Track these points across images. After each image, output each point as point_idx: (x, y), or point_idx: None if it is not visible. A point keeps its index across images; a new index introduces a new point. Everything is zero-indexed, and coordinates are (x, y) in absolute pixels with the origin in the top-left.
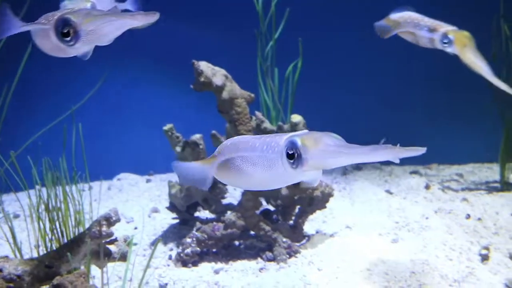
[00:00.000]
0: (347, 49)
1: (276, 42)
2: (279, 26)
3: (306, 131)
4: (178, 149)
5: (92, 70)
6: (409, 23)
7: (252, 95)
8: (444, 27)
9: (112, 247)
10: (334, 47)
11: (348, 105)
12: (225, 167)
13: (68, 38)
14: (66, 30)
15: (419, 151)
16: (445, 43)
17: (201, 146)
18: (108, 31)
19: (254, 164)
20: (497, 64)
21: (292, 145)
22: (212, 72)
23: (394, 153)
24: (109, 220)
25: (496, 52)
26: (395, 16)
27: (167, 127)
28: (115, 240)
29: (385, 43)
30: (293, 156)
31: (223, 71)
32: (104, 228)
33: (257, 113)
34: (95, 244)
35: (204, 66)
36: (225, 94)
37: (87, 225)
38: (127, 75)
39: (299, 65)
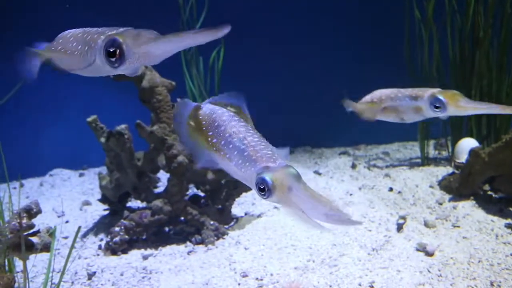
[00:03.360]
0: (271, 36)
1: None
2: (201, 14)
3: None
4: (103, 140)
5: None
6: (386, 100)
7: (173, 83)
8: (427, 91)
9: (35, 239)
10: (259, 33)
11: (275, 90)
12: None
13: (113, 59)
14: (112, 50)
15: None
16: (436, 107)
17: (126, 136)
18: (161, 54)
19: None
20: (413, 48)
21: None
22: None
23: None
24: (30, 212)
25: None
26: (366, 99)
27: (90, 118)
28: (38, 231)
29: (310, 31)
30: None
31: None
32: (24, 220)
33: (178, 100)
34: (16, 236)
35: None
36: (145, 83)
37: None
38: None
39: (222, 53)
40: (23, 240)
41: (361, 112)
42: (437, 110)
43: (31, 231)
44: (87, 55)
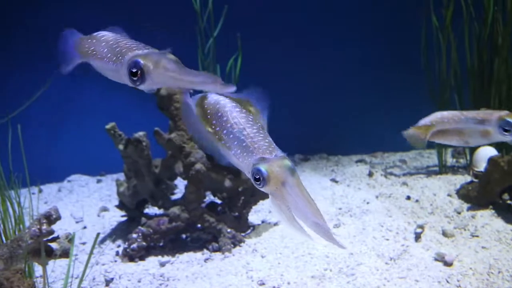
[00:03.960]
0: (287, 43)
1: (216, 39)
2: (218, 23)
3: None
4: (121, 147)
5: (36, 71)
6: (448, 122)
7: (191, 91)
8: (493, 114)
9: (54, 245)
10: (275, 40)
11: (291, 97)
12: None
13: (135, 78)
14: (134, 71)
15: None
16: (506, 130)
17: (144, 143)
18: (178, 84)
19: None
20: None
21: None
22: None
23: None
24: (50, 218)
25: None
26: (425, 121)
27: (109, 125)
28: (57, 237)
29: (329, 38)
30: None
31: None
32: (44, 226)
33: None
34: (36, 242)
35: None
36: (163, 91)
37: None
38: (75, 76)
39: (239, 61)
40: (43, 246)
41: (417, 135)
42: (506, 133)
43: (51, 237)
44: (113, 64)
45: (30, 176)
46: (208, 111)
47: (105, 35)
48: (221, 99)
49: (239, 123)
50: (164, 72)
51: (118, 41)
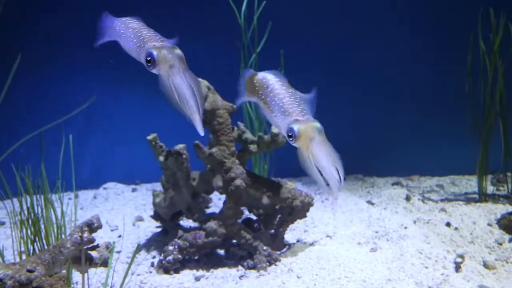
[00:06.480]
0: (329, 62)
1: (259, 54)
2: (262, 39)
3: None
4: (161, 158)
5: (78, 80)
6: None
7: (234, 106)
8: None
9: (93, 253)
10: (320, 60)
11: (329, 115)
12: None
13: (149, 64)
14: (149, 59)
15: None
16: None
17: (184, 156)
18: (180, 88)
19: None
20: (474, 78)
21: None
22: None
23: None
24: (91, 226)
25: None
26: None
27: (151, 136)
28: (97, 246)
29: (371, 59)
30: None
31: (205, 82)
32: (85, 234)
33: (239, 123)
34: (76, 249)
35: None
36: (207, 105)
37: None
38: (113, 85)
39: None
40: (83, 254)
41: None
42: None
43: (91, 245)
44: (137, 48)
45: (67, 182)
46: (257, 84)
47: (132, 22)
48: (268, 76)
49: (280, 93)
50: (168, 67)
51: (142, 30)
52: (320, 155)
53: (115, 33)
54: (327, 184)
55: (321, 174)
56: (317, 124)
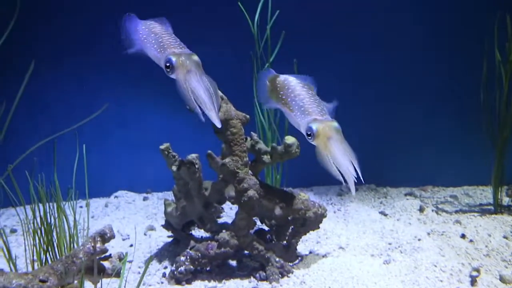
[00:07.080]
0: (344, 71)
1: (272, 64)
2: (275, 48)
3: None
4: (174, 168)
5: (91, 87)
6: None
7: (248, 116)
8: None
9: (106, 263)
10: (332, 70)
11: (341, 125)
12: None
13: (168, 70)
14: (167, 65)
15: None
16: None
17: (197, 166)
18: (197, 91)
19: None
20: (489, 87)
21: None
22: None
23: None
24: (104, 236)
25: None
26: None
27: (163, 146)
28: (109, 256)
29: (384, 69)
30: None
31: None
32: (98, 244)
33: (252, 134)
34: (89, 260)
35: None
36: (220, 115)
37: (82, 242)
38: (125, 93)
39: None
40: (96, 264)
41: None
42: None
43: (103, 255)
44: (158, 54)
45: (77, 190)
46: (278, 85)
47: (155, 27)
48: (289, 78)
49: (300, 94)
50: (185, 72)
51: (163, 35)
52: (337, 153)
53: (139, 36)
54: (345, 181)
55: (339, 170)
56: (335, 124)
